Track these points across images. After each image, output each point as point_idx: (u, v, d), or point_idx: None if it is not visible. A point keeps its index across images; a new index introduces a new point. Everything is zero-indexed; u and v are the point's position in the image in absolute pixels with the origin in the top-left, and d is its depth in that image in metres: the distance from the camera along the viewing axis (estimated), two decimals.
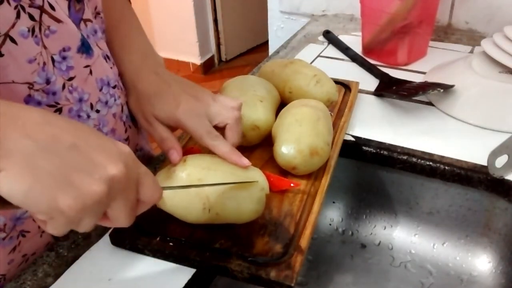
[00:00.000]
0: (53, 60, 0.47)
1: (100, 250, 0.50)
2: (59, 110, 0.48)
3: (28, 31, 0.44)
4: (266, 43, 1.29)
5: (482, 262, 0.65)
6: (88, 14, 0.52)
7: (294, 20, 1.17)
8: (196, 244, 0.47)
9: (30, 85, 0.45)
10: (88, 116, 0.52)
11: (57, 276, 0.47)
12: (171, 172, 0.48)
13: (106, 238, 0.51)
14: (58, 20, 0.46)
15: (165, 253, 0.48)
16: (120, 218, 0.36)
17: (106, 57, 0.57)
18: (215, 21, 2.87)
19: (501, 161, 0.57)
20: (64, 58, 0.48)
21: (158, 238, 0.48)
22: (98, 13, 0.57)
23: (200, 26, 2.80)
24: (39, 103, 0.47)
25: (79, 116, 0.51)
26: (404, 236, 0.70)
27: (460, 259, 0.66)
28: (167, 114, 0.51)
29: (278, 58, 0.92)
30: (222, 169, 0.47)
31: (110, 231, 0.50)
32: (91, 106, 0.52)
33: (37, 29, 0.44)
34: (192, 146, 0.61)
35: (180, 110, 0.50)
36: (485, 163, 0.58)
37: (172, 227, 0.49)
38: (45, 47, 0.45)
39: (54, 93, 0.47)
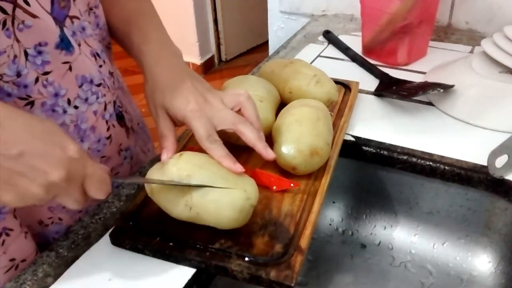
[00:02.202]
0: (26, 54, 0.47)
1: (100, 250, 0.50)
2: (31, 104, 0.49)
3: None
4: (266, 43, 1.29)
5: (482, 262, 0.65)
6: (74, 11, 0.52)
7: (294, 20, 1.17)
8: (196, 244, 0.47)
9: (0, 76, 0.46)
10: (65, 112, 0.52)
11: (57, 276, 0.47)
12: (165, 164, 0.49)
13: (106, 238, 0.51)
14: (33, 15, 0.46)
15: (165, 253, 0.48)
16: (68, 205, 0.42)
17: (96, 55, 0.56)
18: (215, 21, 2.87)
19: (501, 161, 0.57)
20: (39, 52, 0.48)
21: (158, 238, 0.48)
22: (91, 9, 0.57)
23: (200, 26, 2.80)
24: (9, 95, 0.47)
25: (53, 110, 0.51)
26: (404, 236, 0.70)
27: (460, 259, 0.66)
28: (176, 110, 0.52)
29: (278, 58, 0.92)
30: (213, 170, 0.47)
31: (110, 231, 0.50)
32: (69, 102, 0.52)
33: (9, 23, 0.45)
34: (192, 146, 0.61)
35: (189, 109, 0.51)
36: (485, 163, 0.58)
37: (172, 227, 0.49)
38: (17, 41, 0.46)
39: (25, 86, 0.48)
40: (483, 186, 0.60)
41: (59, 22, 0.50)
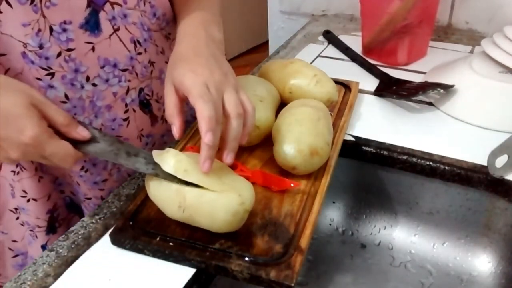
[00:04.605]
0: (51, 29, 0.51)
1: (100, 250, 0.50)
2: (51, 75, 0.53)
3: None
4: (266, 43, 1.29)
5: (482, 262, 0.65)
6: None
7: (294, 20, 1.17)
8: (196, 244, 0.47)
9: (24, 44, 0.51)
10: (82, 87, 0.56)
11: (57, 276, 0.48)
12: (165, 153, 0.48)
13: (106, 238, 0.51)
14: None
15: (165, 253, 0.48)
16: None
17: (136, 42, 0.58)
18: None
19: (501, 161, 0.57)
20: (64, 30, 0.52)
21: (158, 238, 0.48)
22: None
23: None
24: (32, 62, 0.52)
25: (72, 84, 0.55)
26: (404, 236, 0.70)
27: (460, 259, 0.66)
28: (175, 76, 0.48)
29: (278, 58, 0.92)
30: (211, 171, 0.47)
31: (110, 231, 0.50)
32: (87, 79, 0.56)
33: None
34: (192, 146, 0.61)
35: (188, 75, 0.47)
36: (485, 163, 0.58)
37: (172, 227, 0.49)
38: (44, 16, 0.50)
39: (47, 58, 0.52)
40: (483, 186, 0.60)
41: (97, 5, 0.53)
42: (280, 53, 0.94)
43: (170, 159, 0.47)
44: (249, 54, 3.10)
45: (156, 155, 0.48)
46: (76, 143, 0.46)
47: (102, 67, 0.56)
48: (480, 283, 0.64)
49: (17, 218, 0.63)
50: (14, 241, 0.65)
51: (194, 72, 0.47)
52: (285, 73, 0.67)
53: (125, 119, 0.61)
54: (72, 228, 0.53)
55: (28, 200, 0.61)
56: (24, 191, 0.60)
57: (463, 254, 0.66)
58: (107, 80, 0.57)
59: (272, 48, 1.23)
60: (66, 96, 0.55)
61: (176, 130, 0.48)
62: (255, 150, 0.61)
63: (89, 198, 0.63)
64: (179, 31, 0.56)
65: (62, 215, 0.65)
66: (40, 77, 0.53)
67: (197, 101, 0.45)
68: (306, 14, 1.14)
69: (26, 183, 0.60)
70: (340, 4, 1.09)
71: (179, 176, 0.46)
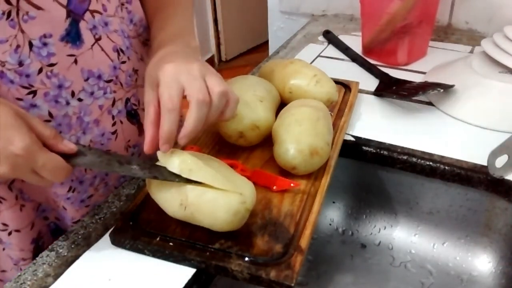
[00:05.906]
0: (31, 45, 0.48)
1: (100, 250, 0.50)
2: (33, 93, 0.50)
3: (3, 14, 0.46)
4: (266, 43, 1.29)
5: (482, 262, 0.65)
6: (96, 6, 0.53)
7: (294, 20, 1.17)
8: (196, 244, 0.47)
9: (2, 63, 0.48)
10: (67, 103, 0.53)
11: (57, 276, 0.48)
12: (168, 153, 0.48)
13: (106, 238, 0.51)
14: (37, 7, 0.47)
15: (165, 253, 0.48)
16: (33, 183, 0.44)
17: (119, 51, 0.57)
18: (215, 21, 2.87)
19: (501, 161, 0.57)
20: (45, 44, 0.49)
21: (158, 238, 0.48)
22: (122, 4, 0.57)
23: (200, 26, 2.80)
24: (11, 82, 0.49)
25: (56, 101, 0.52)
26: (404, 236, 0.70)
27: (460, 259, 0.66)
28: (153, 72, 0.48)
29: (278, 58, 0.92)
30: (215, 169, 0.47)
31: (110, 231, 0.50)
32: (72, 94, 0.53)
33: (13, 13, 0.46)
34: (192, 146, 0.61)
35: (164, 69, 0.47)
36: (485, 163, 0.58)
37: (172, 227, 0.49)
38: (22, 31, 0.47)
39: (27, 76, 0.49)
40: (483, 186, 0.60)
41: (77, 15, 0.51)
42: (280, 53, 0.94)
43: (175, 159, 0.47)
44: (249, 54, 3.10)
45: (161, 156, 0.48)
46: (63, 158, 0.44)
47: (86, 80, 0.53)
48: (480, 283, 0.64)
49: (4, 249, 0.60)
50: (3, 271, 0.62)
51: (165, 61, 0.48)
52: (285, 73, 0.67)
53: (113, 132, 0.59)
54: (72, 228, 0.53)
55: (10, 233, 0.57)
56: (5, 224, 0.57)
57: (463, 254, 0.66)
58: (92, 93, 0.54)
59: (272, 48, 1.23)
60: (50, 114, 0.52)
61: (145, 142, 0.47)
62: (255, 150, 0.61)
63: (77, 222, 0.61)
64: (156, 40, 0.55)
65: (48, 243, 0.61)
66: (21, 97, 0.50)
67: (163, 92, 0.46)
68: (306, 14, 1.14)
69: (6, 214, 0.56)
70: (340, 4, 1.09)
71: (185, 176, 0.46)
